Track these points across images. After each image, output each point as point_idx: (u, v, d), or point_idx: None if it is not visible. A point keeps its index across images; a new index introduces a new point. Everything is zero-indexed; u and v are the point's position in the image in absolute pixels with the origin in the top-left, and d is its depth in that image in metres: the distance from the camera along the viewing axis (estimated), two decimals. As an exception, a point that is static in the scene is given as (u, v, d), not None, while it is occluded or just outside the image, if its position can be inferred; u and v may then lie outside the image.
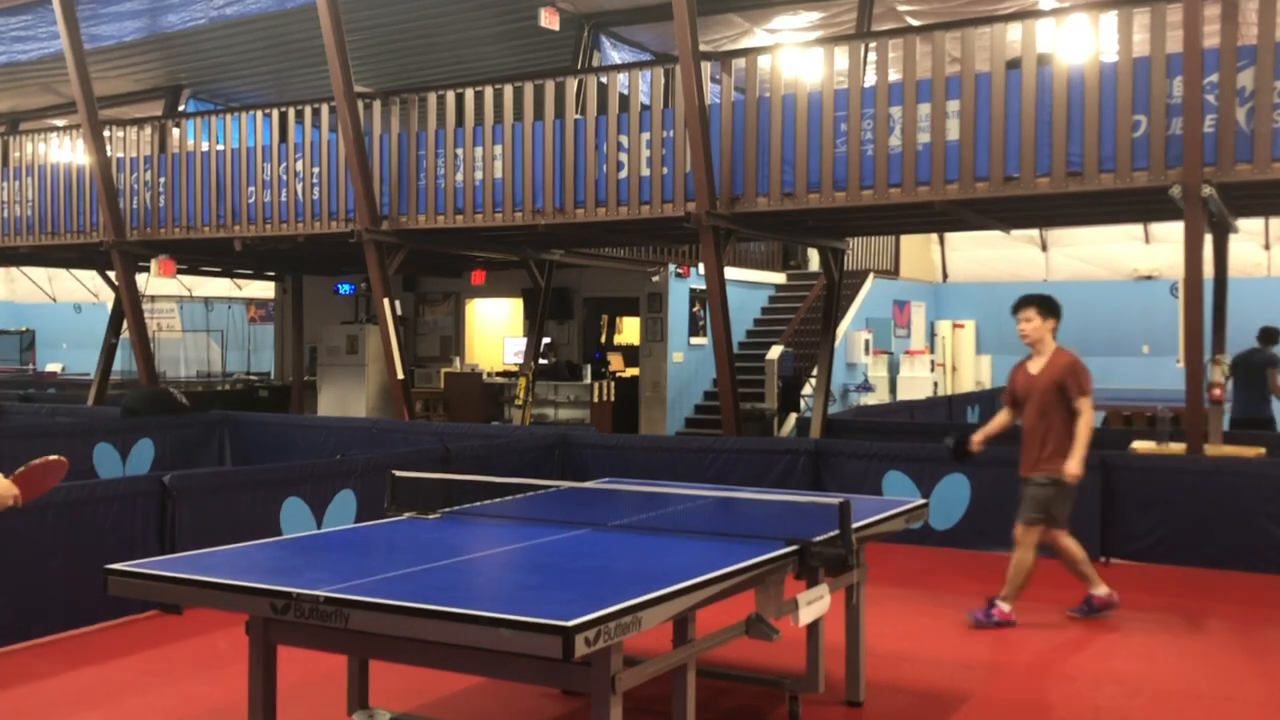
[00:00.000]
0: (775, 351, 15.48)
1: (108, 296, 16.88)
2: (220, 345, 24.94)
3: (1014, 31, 9.26)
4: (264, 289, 23.35)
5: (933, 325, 22.81)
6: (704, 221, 10.05)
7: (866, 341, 19.23)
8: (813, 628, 4.89)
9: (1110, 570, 8.22)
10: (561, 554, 4.19)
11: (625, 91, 10.94)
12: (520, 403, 14.68)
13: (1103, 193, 9.02)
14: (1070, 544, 6.62)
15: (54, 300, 28.98)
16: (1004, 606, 6.44)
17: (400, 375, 11.84)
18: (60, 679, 5.60)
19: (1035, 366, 6.56)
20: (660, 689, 3.94)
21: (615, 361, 17.93)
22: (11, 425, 12.68)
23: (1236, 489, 8.13)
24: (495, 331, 19.12)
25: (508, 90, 11.50)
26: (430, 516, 4.93)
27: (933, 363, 20.91)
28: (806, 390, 16.10)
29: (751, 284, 18.30)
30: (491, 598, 3.67)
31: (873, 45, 10.91)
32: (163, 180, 13.58)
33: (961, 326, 22.75)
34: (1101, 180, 8.82)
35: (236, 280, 23.33)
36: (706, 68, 10.39)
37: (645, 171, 10.58)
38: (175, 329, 25.16)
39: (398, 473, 5.06)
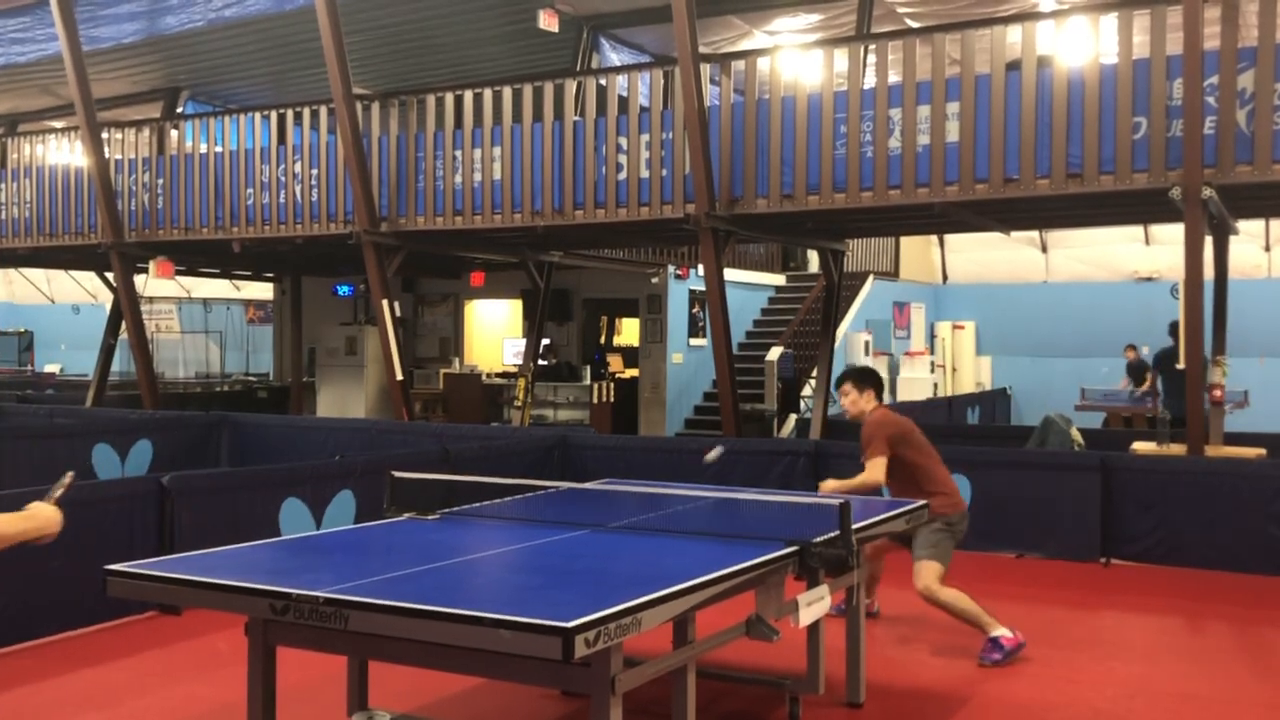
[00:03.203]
0: (775, 352, 15.47)
1: (106, 298, 16.85)
2: (219, 346, 24.90)
3: (1014, 33, 9.25)
4: (263, 290, 23.31)
5: (933, 327, 22.79)
6: (703, 223, 10.05)
7: (866, 343, 19.20)
8: (813, 629, 4.88)
9: (1110, 571, 8.24)
10: (561, 555, 4.19)
11: (624, 93, 10.93)
12: (520, 404, 14.65)
13: (1103, 194, 9.02)
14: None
15: (52, 301, 28.97)
16: (1005, 633, 5.98)
17: (399, 376, 11.83)
18: (59, 680, 5.60)
19: None
20: (660, 690, 3.93)
21: (615, 362, 17.91)
22: (10, 426, 12.65)
23: (1236, 489, 8.14)
24: (494, 332, 19.09)
25: (507, 92, 11.48)
26: (429, 517, 4.92)
27: (933, 364, 20.88)
28: (806, 391, 16.08)
29: (751, 285, 18.29)
30: (491, 599, 3.66)
31: (872, 47, 10.91)
32: (161, 182, 13.56)
33: (961, 328, 22.73)
34: (1102, 182, 8.82)
35: (235, 281, 23.31)
36: (706, 70, 10.38)
37: (644, 173, 10.58)
38: (174, 330, 25.11)
39: (397, 473, 5.05)
